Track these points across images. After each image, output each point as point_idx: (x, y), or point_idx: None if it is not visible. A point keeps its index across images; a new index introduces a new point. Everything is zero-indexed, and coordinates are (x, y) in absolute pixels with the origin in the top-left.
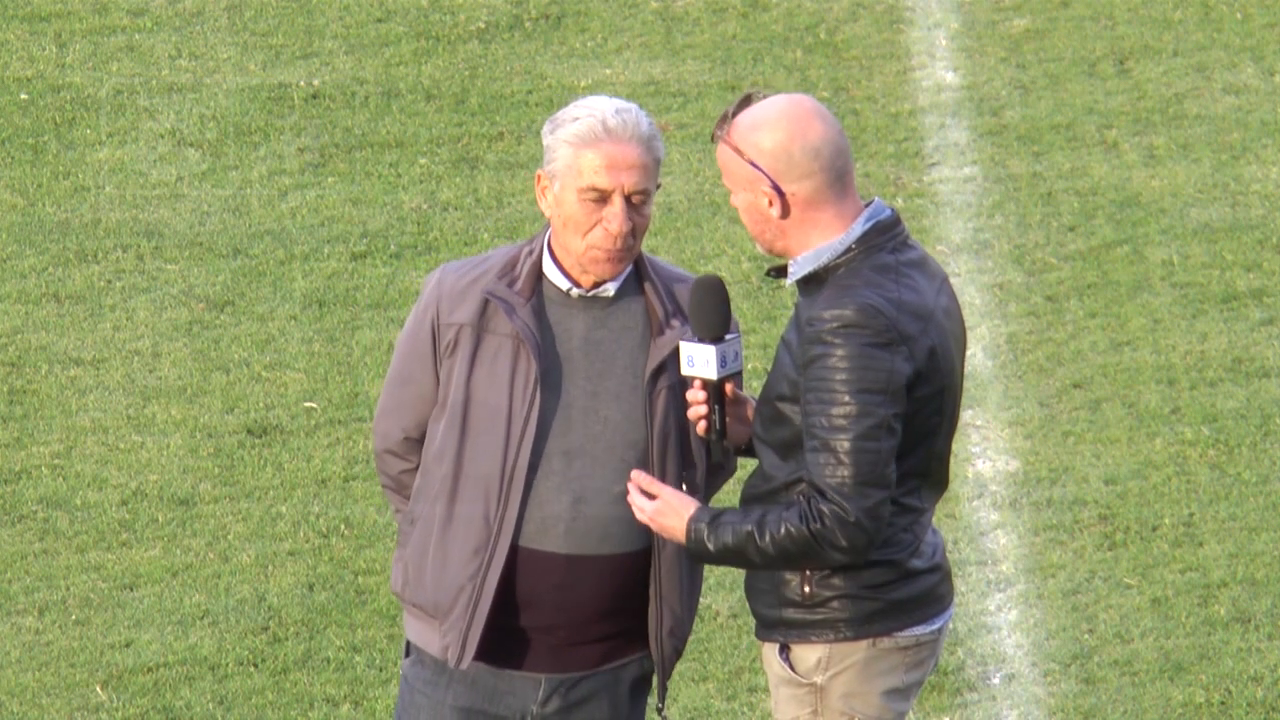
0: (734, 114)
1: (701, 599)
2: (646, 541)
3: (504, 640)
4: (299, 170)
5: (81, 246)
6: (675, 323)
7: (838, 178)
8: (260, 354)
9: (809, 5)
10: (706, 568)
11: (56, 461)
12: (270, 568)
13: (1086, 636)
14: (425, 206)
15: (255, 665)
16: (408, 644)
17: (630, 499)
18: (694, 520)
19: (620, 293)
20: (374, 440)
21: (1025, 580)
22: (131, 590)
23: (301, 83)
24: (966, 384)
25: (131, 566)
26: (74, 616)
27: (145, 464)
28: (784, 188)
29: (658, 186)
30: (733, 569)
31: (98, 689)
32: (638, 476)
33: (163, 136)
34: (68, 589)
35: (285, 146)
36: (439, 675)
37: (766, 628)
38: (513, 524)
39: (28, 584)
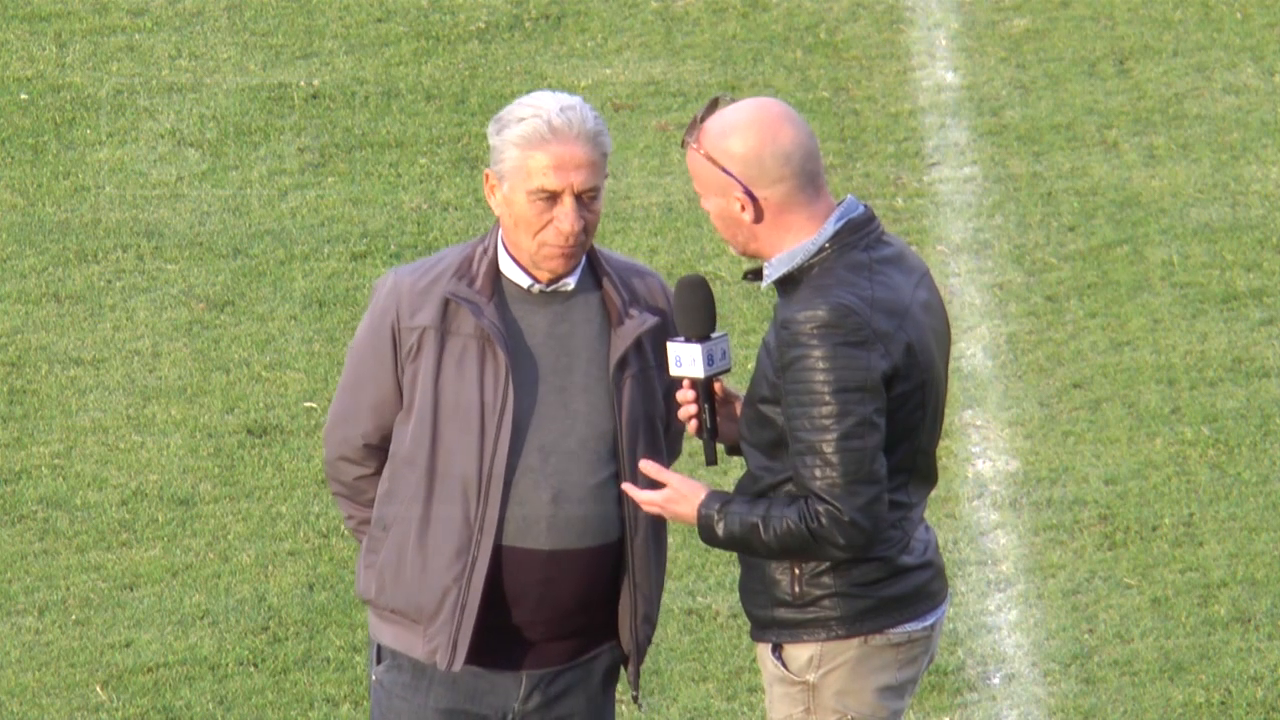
0: (702, 119)
1: (701, 599)
2: (620, 532)
3: (488, 639)
4: (299, 170)
5: (81, 246)
6: (634, 312)
7: (809, 180)
8: (260, 354)
9: (809, 5)
10: (669, 559)
11: (56, 461)
12: (270, 568)
13: (1086, 636)
14: (425, 206)
15: (255, 665)
16: (379, 649)
17: (632, 494)
18: (704, 506)
19: (578, 287)
20: (326, 448)
21: (1025, 580)
22: (131, 590)
23: (301, 83)
24: (967, 384)
25: (131, 566)
26: (74, 616)
27: (145, 464)
28: (756, 193)
29: (606, 176)
30: (731, 569)
31: (98, 689)
32: (646, 466)
33: (163, 136)
34: (68, 589)
35: (285, 146)
36: (418, 679)
37: (760, 628)
38: (494, 523)
39: (28, 584)
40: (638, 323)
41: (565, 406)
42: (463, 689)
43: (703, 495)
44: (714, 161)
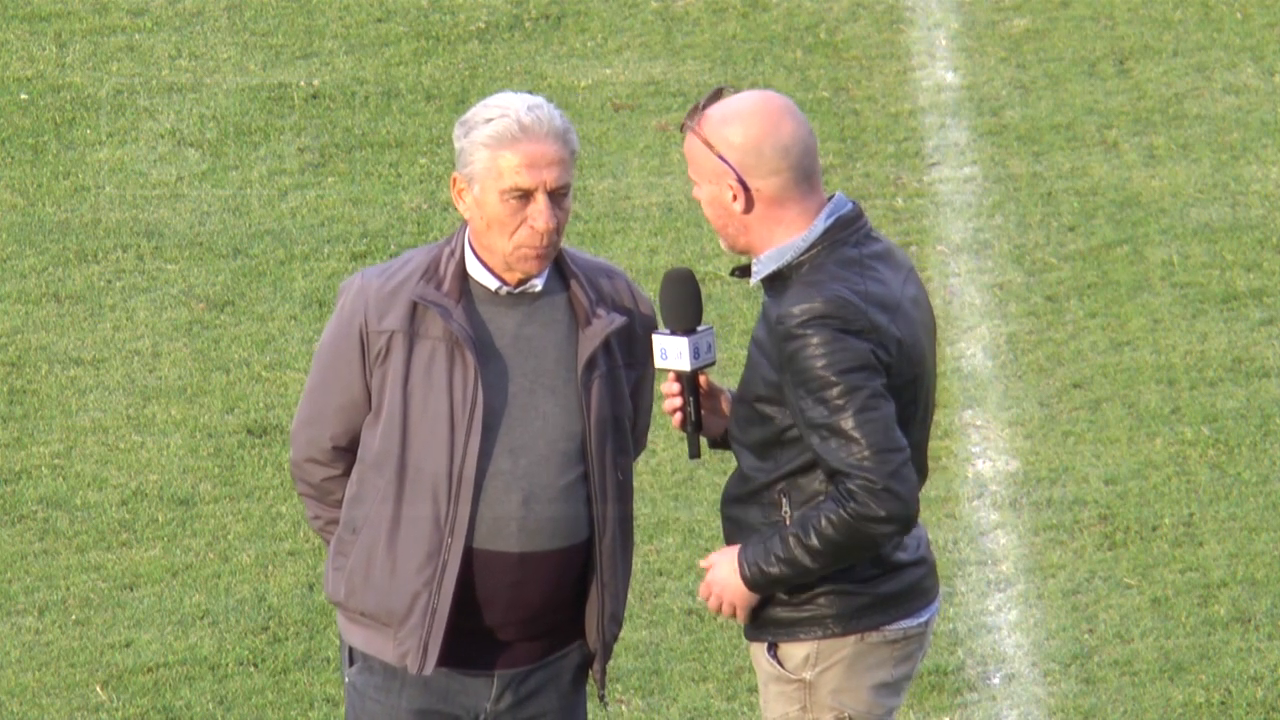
0: (704, 106)
1: (701, 599)
2: (588, 533)
3: (459, 642)
4: (299, 170)
5: (81, 246)
6: (601, 312)
7: (805, 176)
8: (260, 354)
9: (809, 5)
10: (669, 559)
11: (56, 461)
12: (270, 568)
13: (1086, 636)
14: (425, 206)
15: (255, 665)
16: (350, 651)
17: (705, 599)
18: (742, 554)
19: (545, 288)
20: (293, 450)
21: (1025, 580)
22: (131, 590)
23: (301, 83)
24: (967, 384)
25: (131, 566)
26: (74, 616)
27: (145, 464)
28: (750, 183)
29: (574, 175)
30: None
31: (98, 689)
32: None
33: (163, 136)
34: (68, 589)
35: (285, 146)
36: (391, 680)
37: (755, 627)
38: (465, 526)
39: (28, 584)
40: (605, 323)
41: (534, 408)
42: (435, 690)
43: (737, 548)
44: (710, 147)
